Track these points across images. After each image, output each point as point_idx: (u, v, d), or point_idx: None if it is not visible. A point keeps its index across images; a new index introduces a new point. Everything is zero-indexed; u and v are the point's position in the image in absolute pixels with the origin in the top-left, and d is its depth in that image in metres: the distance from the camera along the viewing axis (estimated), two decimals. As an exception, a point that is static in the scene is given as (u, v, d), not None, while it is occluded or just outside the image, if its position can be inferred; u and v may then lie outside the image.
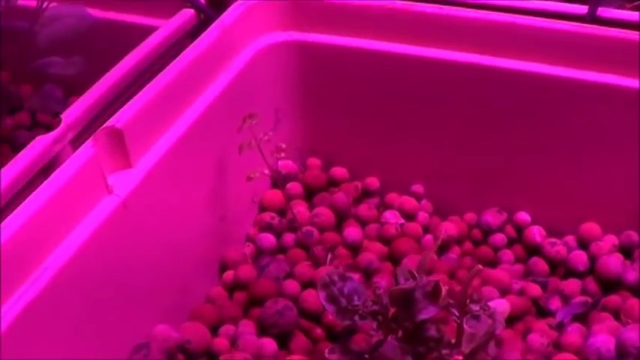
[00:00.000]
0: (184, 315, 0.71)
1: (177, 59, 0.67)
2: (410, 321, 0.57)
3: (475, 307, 0.55)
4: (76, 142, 0.62)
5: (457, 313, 0.55)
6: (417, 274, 0.57)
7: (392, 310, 0.58)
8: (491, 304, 0.61)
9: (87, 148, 0.59)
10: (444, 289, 0.54)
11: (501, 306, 0.63)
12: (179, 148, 0.66)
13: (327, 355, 0.59)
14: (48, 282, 0.55)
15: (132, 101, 0.62)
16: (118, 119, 0.61)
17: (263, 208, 0.81)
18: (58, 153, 0.61)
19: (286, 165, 0.83)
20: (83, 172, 0.58)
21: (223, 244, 0.76)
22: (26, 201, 0.54)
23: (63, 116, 0.61)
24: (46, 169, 0.60)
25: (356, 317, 0.59)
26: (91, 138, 0.59)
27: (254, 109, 0.71)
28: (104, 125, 0.60)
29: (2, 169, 0.58)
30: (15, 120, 0.92)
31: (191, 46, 0.68)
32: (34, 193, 0.55)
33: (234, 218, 0.77)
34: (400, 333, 0.58)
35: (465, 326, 0.54)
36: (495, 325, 0.55)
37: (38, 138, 0.59)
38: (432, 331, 0.57)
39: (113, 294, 0.61)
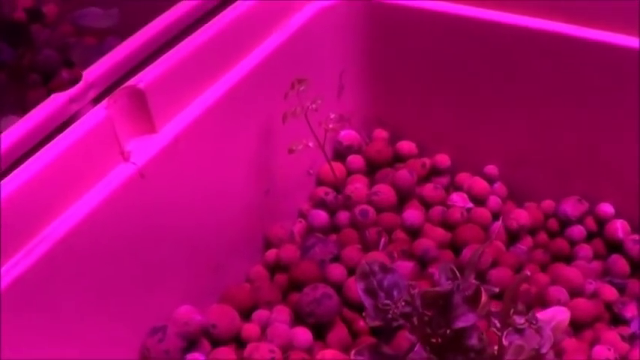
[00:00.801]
0: (219, 295, 0.65)
1: (217, 17, 0.60)
2: (446, 327, 0.49)
3: (519, 320, 0.47)
4: (100, 102, 0.56)
5: (498, 325, 0.47)
6: (458, 273, 0.50)
7: (429, 313, 0.50)
8: (548, 311, 0.53)
9: (100, 108, 0.53)
10: (485, 297, 0.47)
11: (560, 314, 0.55)
12: (214, 114, 0.60)
13: (352, 356, 0.52)
14: (48, 250, 0.50)
15: (159, 60, 0.56)
16: (141, 79, 0.55)
17: (320, 182, 0.75)
18: (77, 112, 0.55)
19: (349, 136, 0.76)
20: (94, 135, 0.52)
21: (270, 219, 0.70)
22: (30, 160, 0.49)
23: (85, 73, 0.55)
24: (61, 129, 0.54)
25: (388, 317, 0.52)
26: (108, 98, 0.53)
27: (313, 74, 0.64)
28: (124, 85, 0.54)
29: (10, 128, 0.52)
30: (72, 74, 0.87)
31: (234, 4, 0.61)
32: (39, 152, 0.49)
33: (285, 192, 0.71)
34: (437, 339, 0.50)
35: (504, 341, 0.47)
36: (543, 342, 0.47)
37: (53, 95, 0.54)
38: (474, 340, 0.50)
39: (127, 269, 0.56)
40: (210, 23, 0.60)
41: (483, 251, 0.53)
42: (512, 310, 0.47)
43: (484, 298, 0.47)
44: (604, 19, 0.65)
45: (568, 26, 0.67)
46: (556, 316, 0.55)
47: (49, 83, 0.88)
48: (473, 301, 0.48)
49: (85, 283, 0.53)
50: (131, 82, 0.55)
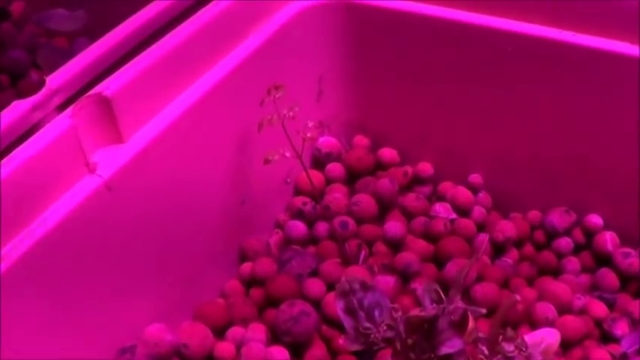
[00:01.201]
0: (191, 312, 0.62)
1: (190, 19, 0.57)
2: (431, 353, 0.46)
3: (509, 347, 0.44)
4: (64, 109, 0.53)
5: (486, 352, 0.44)
6: (444, 296, 0.47)
7: (412, 337, 0.47)
8: (537, 333, 0.50)
9: (64, 117, 0.50)
10: (472, 322, 0.44)
11: (550, 337, 0.52)
12: (186, 122, 0.57)
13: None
14: (6, 269, 0.46)
15: (127, 66, 0.53)
16: (108, 86, 0.52)
17: (298, 192, 0.71)
18: (40, 121, 0.51)
19: (328, 142, 0.73)
20: (58, 145, 0.49)
21: (245, 231, 0.67)
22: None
23: (48, 79, 0.52)
24: (22, 139, 0.51)
25: (369, 341, 0.49)
26: (72, 106, 0.50)
27: (290, 79, 0.62)
28: (89, 92, 0.51)
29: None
30: (41, 76, 0.84)
31: (209, 5, 0.58)
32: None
33: (261, 202, 0.68)
34: (420, 365, 0.47)
35: (493, 370, 0.44)
36: (534, 371, 0.44)
37: (15, 103, 0.50)
38: (460, 366, 0.47)
39: (93, 286, 0.53)
40: (182, 26, 0.58)
41: (469, 269, 0.50)
42: (500, 337, 0.44)
43: (471, 323, 0.44)
44: (600, 25, 0.62)
45: (558, 31, 0.64)
46: (545, 338, 0.52)
47: (17, 85, 0.85)
48: (459, 325, 0.45)
49: (47, 301, 0.50)
50: (98, 88, 0.52)
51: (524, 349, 0.44)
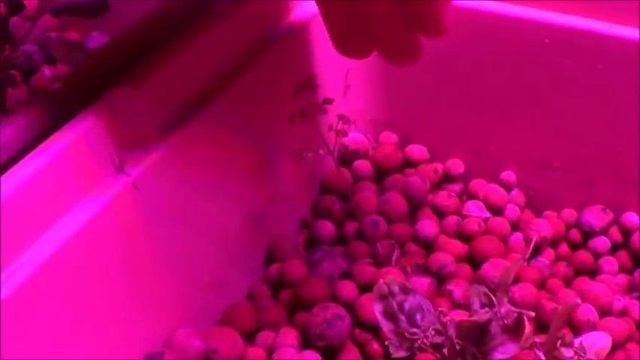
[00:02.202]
0: (218, 316, 0.59)
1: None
2: (482, 359, 0.44)
3: (568, 353, 0.42)
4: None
5: (543, 358, 0.42)
6: (495, 299, 0.44)
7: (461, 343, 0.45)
8: (588, 337, 0.48)
9: (89, 113, 0.47)
10: (528, 326, 0.41)
11: (601, 340, 0.49)
12: (213, 118, 0.54)
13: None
14: (30, 274, 0.44)
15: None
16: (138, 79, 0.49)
17: (325, 190, 0.69)
18: (63, 115, 0.49)
19: (355, 139, 0.71)
20: (84, 141, 0.46)
21: (272, 231, 0.64)
22: (4, 176, 0.43)
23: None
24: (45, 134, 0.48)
25: (415, 347, 0.46)
26: (100, 99, 0.47)
27: (318, 72, 0.59)
28: (116, 86, 0.48)
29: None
30: (55, 71, 0.81)
31: None
32: (16, 165, 0.44)
33: (287, 201, 0.65)
34: (470, 371, 0.45)
35: (552, 377, 0.41)
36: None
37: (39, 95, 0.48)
38: (513, 373, 0.45)
39: (119, 291, 0.50)
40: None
41: (513, 271, 0.48)
42: (559, 342, 0.42)
43: (528, 328, 0.42)
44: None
45: (597, 22, 0.61)
46: (596, 342, 0.49)
47: (29, 81, 0.82)
48: (514, 330, 0.43)
49: (71, 309, 0.48)
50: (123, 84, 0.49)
51: (582, 354, 0.42)
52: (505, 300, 0.46)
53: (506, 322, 0.43)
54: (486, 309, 0.44)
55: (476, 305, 0.45)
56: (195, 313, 0.57)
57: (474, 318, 0.43)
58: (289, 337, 0.57)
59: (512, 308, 0.43)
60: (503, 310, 0.44)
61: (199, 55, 0.53)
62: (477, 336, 0.44)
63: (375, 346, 0.58)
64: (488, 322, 0.43)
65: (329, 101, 0.57)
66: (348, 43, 0.53)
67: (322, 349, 0.57)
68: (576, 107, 0.64)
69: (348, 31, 0.52)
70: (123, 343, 0.52)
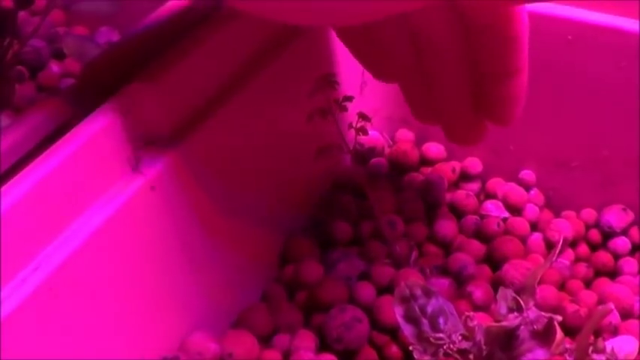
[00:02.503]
0: (232, 318, 0.58)
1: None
2: (510, 365, 0.42)
3: (600, 359, 0.40)
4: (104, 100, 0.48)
5: (575, 364, 0.41)
6: (523, 304, 0.43)
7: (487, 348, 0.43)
8: (615, 341, 0.47)
9: (105, 110, 0.46)
10: (559, 332, 0.40)
11: (628, 345, 0.48)
12: (230, 116, 0.52)
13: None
14: (42, 280, 0.42)
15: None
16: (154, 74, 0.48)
17: (340, 189, 0.67)
18: (77, 113, 0.47)
19: (371, 137, 0.69)
20: (99, 140, 0.45)
21: (285, 230, 0.62)
22: (16, 177, 0.42)
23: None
24: (59, 131, 0.46)
25: (440, 352, 0.45)
26: (115, 96, 0.46)
27: (332, 69, 0.58)
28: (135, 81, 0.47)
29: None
30: (63, 67, 0.80)
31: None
32: (29, 166, 0.42)
33: (304, 200, 0.64)
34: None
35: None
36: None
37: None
38: (542, 380, 0.43)
39: (135, 294, 0.49)
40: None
41: (540, 274, 0.46)
42: (590, 348, 0.40)
43: (559, 334, 0.40)
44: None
45: (622, 18, 0.60)
46: (624, 346, 0.48)
47: (37, 77, 0.81)
48: (543, 336, 0.41)
49: (86, 312, 0.46)
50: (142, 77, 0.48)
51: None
52: (532, 304, 0.45)
53: (535, 327, 0.42)
54: (515, 314, 0.42)
55: (503, 310, 0.44)
56: (210, 316, 0.56)
57: (504, 323, 0.41)
58: (306, 340, 0.56)
59: (542, 313, 0.42)
60: (532, 314, 0.42)
61: (216, 52, 0.52)
62: (505, 341, 0.42)
63: (394, 349, 0.57)
64: (517, 327, 0.42)
65: (349, 98, 0.55)
66: (422, 112, 0.59)
67: (340, 352, 0.56)
68: (598, 105, 0.63)
69: (423, 106, 0.58)
70: (137, 347, 0.50)
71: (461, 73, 0.54)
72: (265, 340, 0.57)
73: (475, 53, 0.53)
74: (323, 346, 0.56)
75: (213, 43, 0.51)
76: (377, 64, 0.59)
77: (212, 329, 0.55)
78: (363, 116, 0.56)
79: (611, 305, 0.41)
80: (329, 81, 0.54)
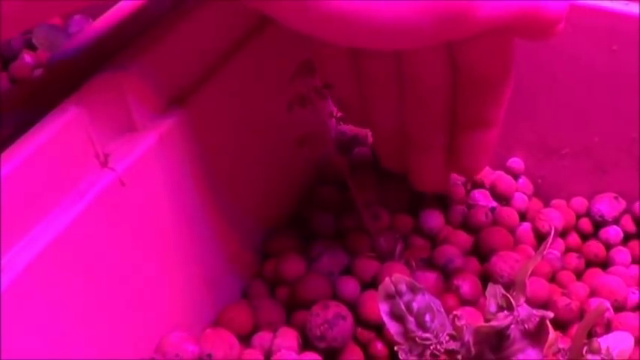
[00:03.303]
0: (212, 316, 0.55)
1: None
2: (500, 365, 0.40)
3: (595, 359, 0.38)
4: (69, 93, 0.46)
5: (569, 365, 0.39)
6: (513, 301, 0.41)
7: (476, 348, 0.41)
8: (609, 338, 0.45)
9: (70, 103, 0.43)
10: (552, 331, 0.38)
11: (624, 341, 0.46)
12: (202, 105, 0.50)
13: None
14: (6, 283, 0.40)
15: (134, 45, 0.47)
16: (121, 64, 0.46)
17: (321, 180, 0.65)
18: (41, 107, 0.45)
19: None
20: (64, 136, 0.42)
21: (267, 224, 0.60)
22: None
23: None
24: (22, 127, 0.44)
25: (427, 353, 0.43)
26: (81, 89, 0.44)
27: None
28: (101, 72, 0.45)
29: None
30: (36, 57, 0.77)
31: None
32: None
33: (284, 192, 0.61)
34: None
35: (580, 387, 0.38)
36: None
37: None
38: (533, 380, 0.41)
39: (107, 295, 0.46)
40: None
41: (530, 268, 0.44)
42: (585, 348, 0.38)
43: (552, 333, 0.38)
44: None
45: (616, 2, 0.58)
46: (618, 343, 0.46)
47: (8, 68, 0.78)
48: (535, 335, 0.39)
49: (55, 315, 0.44)
50: (109, 68, 0.45)
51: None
52: (522, 300, 0.43)
53: (527, 326, 0.39)
54: (505, 312, 0.40)
55: (492, 307, 0.42)
56: (188, 315, 0.54)
57: (494, 323, 0.39)
58: (288, 338, 0.54)
59: (534, 312, 0.39)
60: (523, 312, 0.40)
61: (191, 38, 0.49)
62: (495, 341, 0.40)
63: (379, 345, 0.55)
64: (507, 326, 0.39)
65: (329, 86, 0.53)
66: (391, 160, 0.60)
67: (323, 350, 0.53)
68: (589, 91, 0.61)
69: (395, 154, 0.59)
70: (112, 349, 0.48)
71: (440, 121, 0.55)
72: (246, 339, 0.55)
73: (458, 100, 0.53)
74: (306, 344, 0.54)
75: (186, 28, 0.49)
76: (358, 107, 0.57)
77: (190, 329, 0.53)
78: (342, 104, 0.54)
79: (607, 304, 0.39)
80: (309, 68, 0.51)
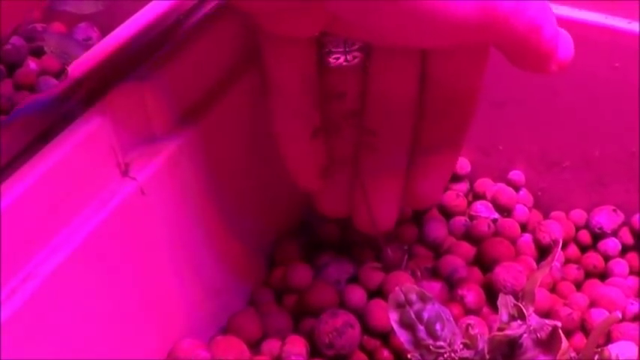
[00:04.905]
0: (222, 323, 0.56)
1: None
2: (513, 374, 0.41)
3: (606, 368, 0.39)
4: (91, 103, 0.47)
5: (580, 374, 0.40)
6: (525, 310, 0.42)
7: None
8: (614, 347, 0.46)
9: (94, 112, 0.44)
10: (564, 340, 0.39)
11: (627, 350, 0.47)
12: (220, 115, 0.51)
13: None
14: (31, 290, 0.41)
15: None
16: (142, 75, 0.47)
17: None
18: (64, 116, 0.46)
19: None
20: (87, 145, 0.43)
21: (275, 233, 0.61)
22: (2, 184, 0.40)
23: (70, 68, 0.47)
24: (44, 136, 0.45)
25: (439, 360, 0.44)
26: (105, 98, 0.45)
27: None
28: (123, 82, 0.46)
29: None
30: (41, 64, 0.78)
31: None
32: (14, 173, 0.41)
33: (290, 202, 0.62)
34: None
35: (591, 395, 0.39)
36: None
37: (33, 96, 0.45)
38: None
39: (124, 302, 0.48)
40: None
41: (539, 279, 0.45)
42: (596, 357, 0.40)
43: (565, 342, 0.39)
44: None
45: (611, 17, 0.59)
46: (623, 352, 0.47)
47: (13, 75, 0.79)
48: (548, 344, 0.40)
49: (75, 321, 0.45)
50: (131, 78, 0.46)
51: (620, 370, 0.40)
52: (532, 310, 0.44)
53: (539, 335, 0.41)
54: (518, 321, 0.41)
55: (504, 317, 0.43)
56: (198, 322, 0.54)
57: (509, 332, 0.40)
58: (297, 345, 0.55)
59: (545, 321, 0.41)
60: (533, 322, 0.41)
61: (208, 51, 0.50)
62: (507, 350, 0.41)
63: (385, 353, 0.56)
64: (520, 335, 0.41)
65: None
66: (332, 208, 0.57)
67: (331, 357, 0.55)
68: (590, 106, 0.62)
69: (337, 200, 0.57)
70: (126, 355, 0.49)
71: (404, 141, 0.54)
72: (255, 346, 0.56)
73: (425, 118, 0.53)
74: (313, 351, 0.55)
75: (204, 42, 0.50)
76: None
77: (201, 335, 0.54)
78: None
79: (619, 313, 0.40)
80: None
